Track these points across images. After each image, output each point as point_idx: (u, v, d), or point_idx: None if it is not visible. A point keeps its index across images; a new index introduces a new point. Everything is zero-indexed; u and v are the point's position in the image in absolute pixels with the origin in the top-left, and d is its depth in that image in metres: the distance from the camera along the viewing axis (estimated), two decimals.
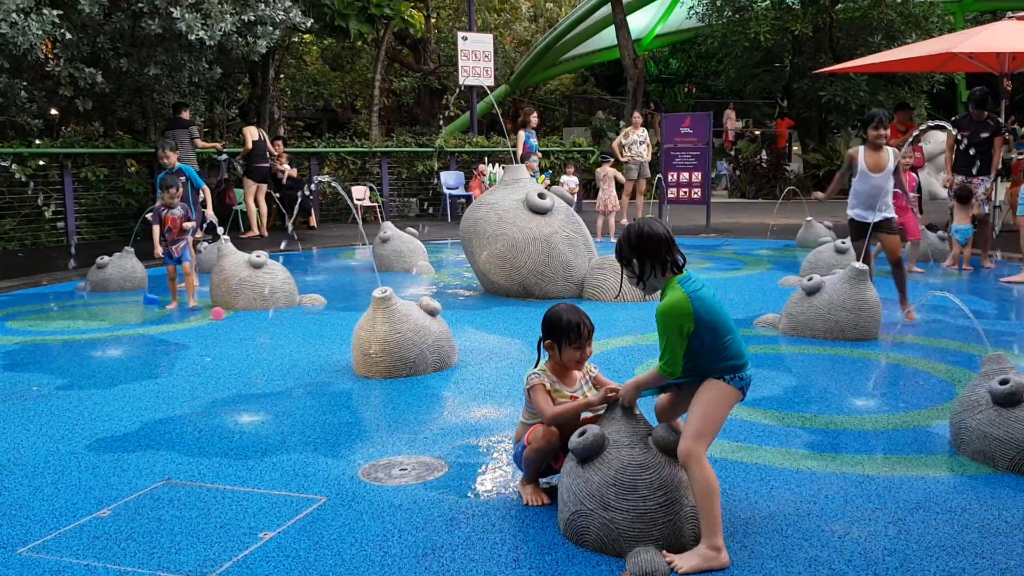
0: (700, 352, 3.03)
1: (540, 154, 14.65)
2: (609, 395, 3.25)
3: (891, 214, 6.80)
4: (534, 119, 14.55)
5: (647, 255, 3.08)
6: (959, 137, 9.59)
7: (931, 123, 11.51)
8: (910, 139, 11.66)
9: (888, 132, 6.33)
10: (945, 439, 4.11)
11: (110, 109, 14.68)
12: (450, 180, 18.03)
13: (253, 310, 7.70)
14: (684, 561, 2.88)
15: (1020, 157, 11.68)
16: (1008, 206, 13.22)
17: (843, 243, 8.46)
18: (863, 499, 3.44)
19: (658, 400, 3.43)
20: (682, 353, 3.02)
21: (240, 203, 14.67)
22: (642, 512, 2.95)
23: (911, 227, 8.97)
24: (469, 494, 3.57)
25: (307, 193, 14.55)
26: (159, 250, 7.99)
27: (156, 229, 7.93)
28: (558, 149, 19.41)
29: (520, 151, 14.20)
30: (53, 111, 14.95)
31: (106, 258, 9.17)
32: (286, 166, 15.43)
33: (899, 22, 19.86)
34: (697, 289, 3.04)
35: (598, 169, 13.43)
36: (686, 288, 3.02)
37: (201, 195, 9.55)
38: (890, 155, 6.68)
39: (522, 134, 14.33)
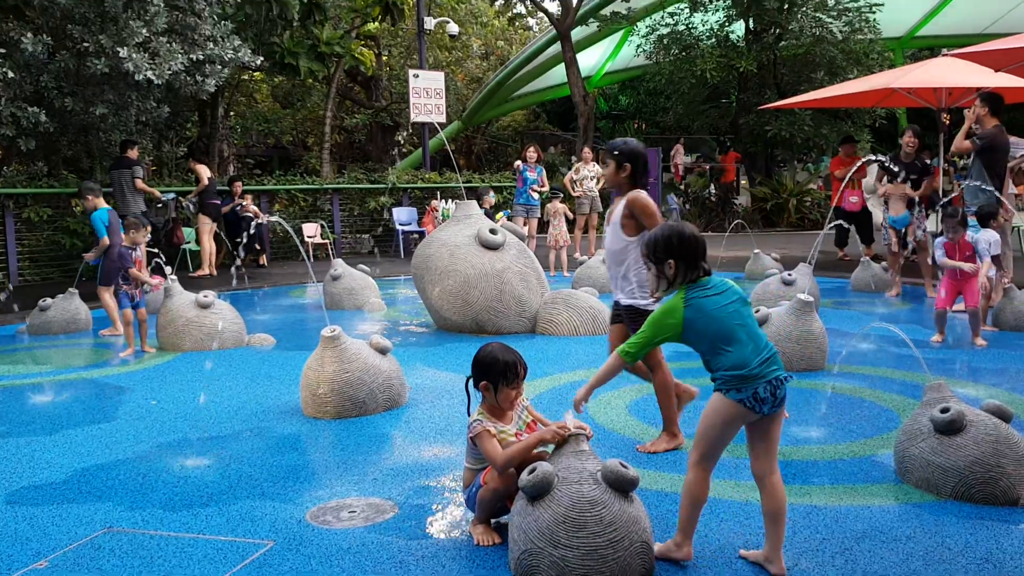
0: (704, 358, 3.11)
1: (542, 186, 14.57)
2: (559, 432, 3.24)
3: (630, 299, 4.62)
4: (530, 153, 14.59)
5: (684, 259, 3.09)
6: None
7: (871, 157, 11.78)
8: (852, 170, 11.98)
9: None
10: (890, 468, 4.17)
11: (54, 148, 14.43)
12: (403, 216, 18.03)
13: (201, 351, 7.57)
14: (656, 546, 3.18)
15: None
16: None
17: (790, 275, 8.60)
18: (811, 530, 3.47)
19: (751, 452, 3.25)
20: (650, 347, 3.14)
21: (188, 242, 14.49)
22: (592, 549, 2.94)
23: (970, 290, 7.34)
24: (419, 536, 3.53)
25: (257, 226, 14.41)
26: (153, 281, 7.83)
27: (133, 270, 7.75)
28: (511, 184, 19.53)
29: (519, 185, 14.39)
30: None
31: (49, 300, 8.96)
32: (253, 207, 15.34)
33: (841, 59, 20.42)
34: (701, 296, 3.05)
35: (548, 205, 13.53)
36: (688, 294, 3.06)
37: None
38: (620, 206, 4.65)
39: (519, 164, 14.43)
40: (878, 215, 17.59)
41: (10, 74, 11.40)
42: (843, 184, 12.45)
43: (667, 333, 3.08)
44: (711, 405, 3.11)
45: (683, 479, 3.03)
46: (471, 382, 3.54)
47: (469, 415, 3.52)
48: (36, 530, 3.66)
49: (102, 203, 9.03)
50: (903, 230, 9.94)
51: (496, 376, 3.44)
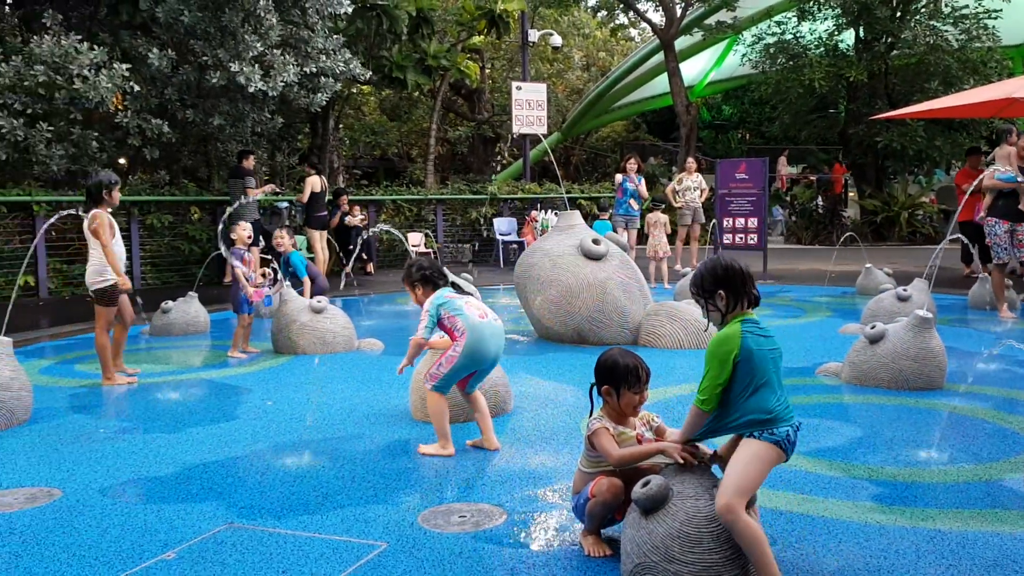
0: (733, 401, 3.06)
1: (640, 199, 14.34)
2: (684, 455, 3.16)
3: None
4: (631, 164, 14.33)
5: (732, 288, 3.15)
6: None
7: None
8: (973, 185, 11.49)
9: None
10: (1019, 493, 3.98)
11: (176, 158, 15.15)
12: (503, 226, 18.19)
13: (314, 354, 7.80)
14: None
15: None
16: None
17: (904, 291, 8.31)
18: (936, 555, 3.33)
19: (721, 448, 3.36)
20: (720, 387, 3.05)
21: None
22: (708, 566, 2.90)
23: None
24: (529, 543, 3.54)
25: (367, 236, 14.76)
26: (250, 291, 7.99)
27: (240, 272, 7.93)
28: (610, 195, 19.48)
29: (617, 195, 14.27)
30: (122, 160, 15.47)
31: (170, 303, 9.38)
32: (360, 216, 15.78)
33: (956, 68, 19.62)
34: (756, 332, 3.09)
35: (648, 215, 13.39)
36: (744, 326, 3.09)
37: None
38: None
39: (618, 178, 14.27)
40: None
41: (136, 88, 12.02)
42: (967, 196, 11.91)
43: (728, 364, 3.04)
44: (750, 451, 3.02)
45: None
46: (594, 389, 3.54)
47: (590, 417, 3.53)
48: (163, 522, 3.83)
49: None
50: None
51: (618, 379, 3.44)
